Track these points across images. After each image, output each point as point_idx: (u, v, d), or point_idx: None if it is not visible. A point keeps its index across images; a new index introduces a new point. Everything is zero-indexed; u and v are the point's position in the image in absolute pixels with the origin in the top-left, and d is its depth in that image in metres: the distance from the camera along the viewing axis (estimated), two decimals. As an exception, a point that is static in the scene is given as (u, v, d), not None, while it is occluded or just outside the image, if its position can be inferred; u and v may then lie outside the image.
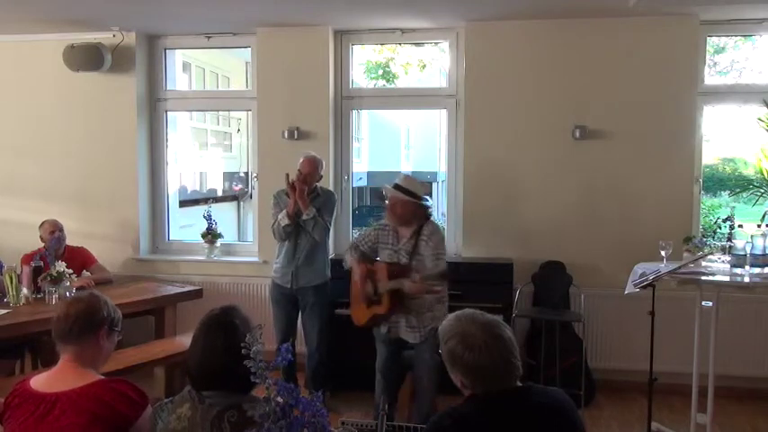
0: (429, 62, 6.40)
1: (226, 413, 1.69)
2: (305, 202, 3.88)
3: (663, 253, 3.62)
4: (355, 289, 3.62)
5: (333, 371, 4.42)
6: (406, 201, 3.43)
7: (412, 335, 3.47)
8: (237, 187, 12.31)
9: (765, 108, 4.10)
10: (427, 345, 3.42)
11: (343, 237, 5.04)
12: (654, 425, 3.61)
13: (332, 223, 4.11)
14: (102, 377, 2.03)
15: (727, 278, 3.41)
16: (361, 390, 4.36)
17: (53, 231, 4.37)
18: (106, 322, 2.08)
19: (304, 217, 3.89)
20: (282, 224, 3.94)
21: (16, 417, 1.94)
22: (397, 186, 3.47)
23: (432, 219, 3.57)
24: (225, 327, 1.81)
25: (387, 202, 3.55)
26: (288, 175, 3.95)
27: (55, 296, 3.86)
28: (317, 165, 4.02)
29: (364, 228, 5.01)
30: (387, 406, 1.93)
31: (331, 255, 4.77)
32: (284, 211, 3.93)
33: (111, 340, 2.11)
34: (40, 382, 1.99)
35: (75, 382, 1.95)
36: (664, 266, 3.46)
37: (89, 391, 1.93)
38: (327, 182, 4.84)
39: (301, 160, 4.00)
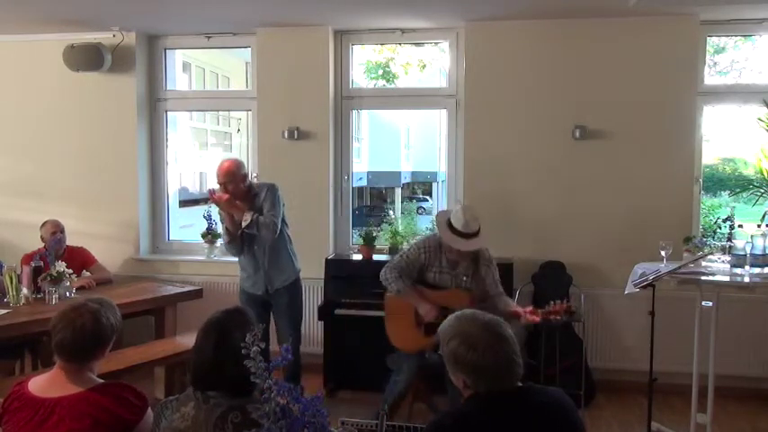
0: (429, 62, 6.39)
1: (229, 414, 1.69)
2: (238, 209, 3.63)
3: (663, 253, 3.62)
4: (399, 311, 3.46)
5: (333, 370, 4.42)
6: (478, 249, 3.39)
7: None
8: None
9: (765, 108, 4.10)
10: None
11: (343, 236, 5.04)
12: (654, 425, 3.61)
13: (281, 214, 3.76)
14: (101, 381, 2.01)
15: (727, 278, 3.41)
16: (362, 390, 4.37)
17: (54, 232, 4.37)
18: (112, 338, 2.06)
19: (243, 224, 3.63)
20: (225, 241, 3.78)
21: (15, 421, 1.92)
22: (464, 235, 3.33)
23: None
24: (219, 328, 1.81)
25: (449, 249, 3.39)
26: (211, 191, 3.72)
27: (55, 296, 3.86)
28: (233, 168, 3.67)
29: (364, 228, 5.01)
30: (386, 406, 1.93)
31: (331, 254, 4.79)
32: (223, 229, 3.74)
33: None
34: (39, 385, 1.97)
35: (74, 387, 1.94)
36: (664, 266, 3.46)
37: (89, 396, 1.91)
38: (327, 182, 4.86)
39: (216, 171, 3.73)
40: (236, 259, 5.00)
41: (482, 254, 3.46)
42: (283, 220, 3.84)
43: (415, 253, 3.48)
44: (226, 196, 3.65)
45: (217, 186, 3.76)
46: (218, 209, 3.82)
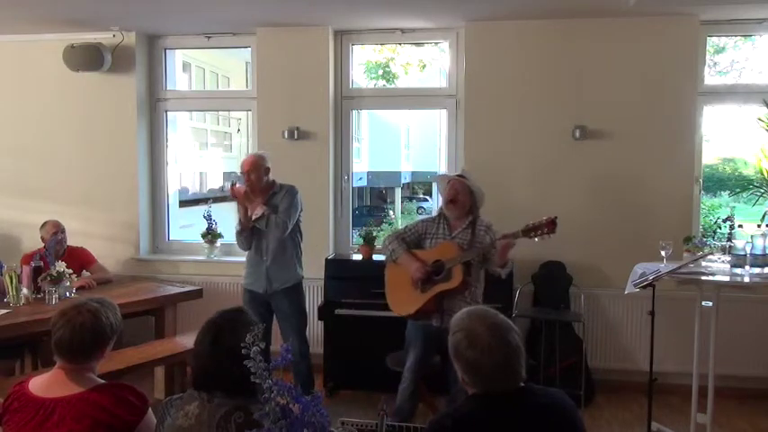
0: (429, 62, 6.39)
1: (233, 414, 1.69)
2: (252, 203, 3.76)
3: (663, 253, 3.62)
4: (397, 279, 3.53)
5: (333, 370, 4.42)
6: (467, 187, 3.50)
7: None
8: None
9: (765, 108, 4.10)
10: None
11: (342, 237, 5.04)
12: (654, 425, 3.61)
13: (296, 217, 3.88)
14: (102, 381, 2.01)
15: (727, 278, 3.41)
16: (361, 390, 4.37)
17: (55, 232, 4.38)
18: (112, 337, 2.06)
19: (253, 217, 3.76)
20: (236, 230, 3.85)
21: (15, 421, 1.92)
22: (457, 175, 3.59)
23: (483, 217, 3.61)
24: (214, 330, 1.81)
25: (447, 191, 3.53)
26: (232, 183, 3.89)
27: (55, 296, 3.86)
28: (258, 161, 3.84)
29: (364, 228, 5.02)
30: (386, 405, 1.93)
31: (331, 254, 4.79)
32: (238, 219, 3.83)
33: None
34: (39, 385, 1.97)
35: (75, 387, 1.93)
36: (664, 266, 3.46)
37: (89, 397, 1.91)
38: (327, 182, 4.86)
39: (242, 161, 3.91)
40: (237, 259, 5.05)
41: (479, 221, 3.54)
42: (297, 225, 3.93)
43: (414, 223, 3.68)
44: (243, 189, 3.79)
45: (238, 181, 3.93)
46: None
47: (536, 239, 3.31)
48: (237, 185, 3.86)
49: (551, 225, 3.28)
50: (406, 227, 3.69)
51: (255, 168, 3.82)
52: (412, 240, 3.60)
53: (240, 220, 3.82)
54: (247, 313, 1.91)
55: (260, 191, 3.82)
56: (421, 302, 3.44)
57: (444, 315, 3.39)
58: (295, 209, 3.87)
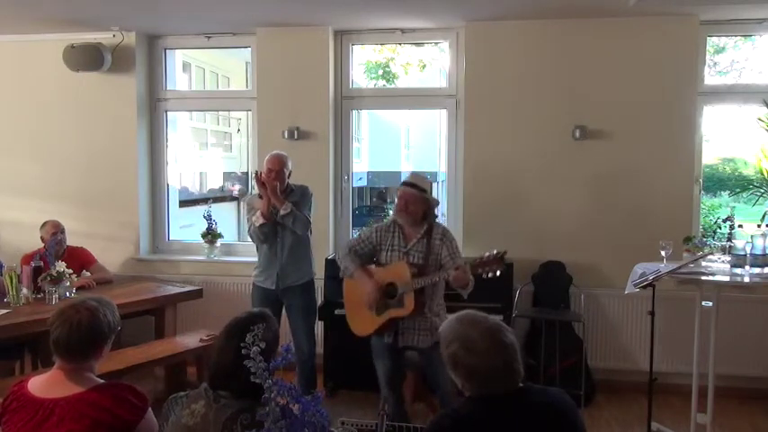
0: (429, 62, 6.40)
1: (240, 416, 1.69)
2: (279, 199, 3.75)
3: (663, 253, 3.62)
4: (355, 297, 3.44)
5: (333, 370, 4.42)
6: (417, 196, 3.34)
7: (423, 338, 3.31)
8: (234, 187, 12.29)
9: (765, 108, 4.10)
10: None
11: (342, 237, 5.04)
12: (654, 425, 3.61)
13: (311, 216, 3.91)
14: (101, 381, 2.00)
15: (727, 278, 3.41)
16: (361, 390, 4.37)
17: (55, 233, 4.38)
18: (110, 336, 2.05)
19: (281, 213, 3.75)
20: (257, 224, 3.80)
21: (14, 421, 1.92)
22: (406, 183, 3.41)
23: (439, 221, 3.50)
24: (244, 331, 1.80)
25: (397, 201, 3.42)
26: (257, 172, 3.87)
27: (55, 296, 3.87)
28: (285, 161, 3.86)
29: (363, 228, 5.01)
30: (386, 405, 1.93)
31: (331, 254, 4.78)
32: (258, 212, 3.80)
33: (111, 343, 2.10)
34: (38, 386, 1.96)
35: (74, 387, 1.93)
36: (664, 266, 3.46)
37: (88, 397, 1.90)
38: (327, 182, 4.86)
39: (268, 158, 3.87)
40: (237, 259, 5.06)
41: (435, 229, 3.40)
42: None
43: (368, 231, 3.53)
44: (273, 183, 3.77)
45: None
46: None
47: (484, 276, 3.12)
48: (265, 179, 3.81)
49: (499, 262, 3.09)
50: (359, 237, 3.53)
51: (282, 167, 3.83)
52: (366, 253, 3.44)
53: (262, 214, 3.78)
54: (272, 318, 1.92)
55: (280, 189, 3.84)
56: (375, 326, 3.38)
57: (398, 334, 3.37)
58: (311, 209, 3.93)
